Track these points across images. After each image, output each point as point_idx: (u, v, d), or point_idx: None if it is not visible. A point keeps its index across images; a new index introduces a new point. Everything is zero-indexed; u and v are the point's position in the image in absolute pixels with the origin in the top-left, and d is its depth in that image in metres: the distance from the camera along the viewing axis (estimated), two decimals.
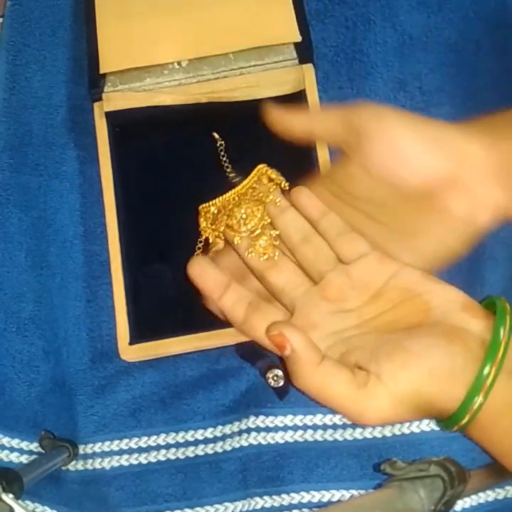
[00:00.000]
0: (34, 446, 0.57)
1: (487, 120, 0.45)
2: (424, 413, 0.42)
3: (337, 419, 0.55)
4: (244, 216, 0.49)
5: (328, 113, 0.49)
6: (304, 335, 0.41)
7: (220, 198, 0.52)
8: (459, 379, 0.40)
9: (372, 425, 0.51)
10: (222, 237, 0.51)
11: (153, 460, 0.56)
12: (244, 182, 0.52)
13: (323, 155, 0.56)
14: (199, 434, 0.56)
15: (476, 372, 0.39)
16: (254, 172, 0.52)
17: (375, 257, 0.46)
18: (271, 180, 0.52)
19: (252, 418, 0.55)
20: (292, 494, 0.54)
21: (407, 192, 0.45)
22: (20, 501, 0.43)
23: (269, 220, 0.49)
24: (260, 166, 0.53)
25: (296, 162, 0.58)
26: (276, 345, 0.42)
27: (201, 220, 0.53)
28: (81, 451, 0.56)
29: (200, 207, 0.53)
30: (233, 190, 0.52)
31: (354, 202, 0.47)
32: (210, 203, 0.52)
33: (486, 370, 0.39)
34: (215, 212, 0.52)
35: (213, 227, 0.51)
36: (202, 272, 0.47)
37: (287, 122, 0.50)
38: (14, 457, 0.57)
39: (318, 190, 0.48)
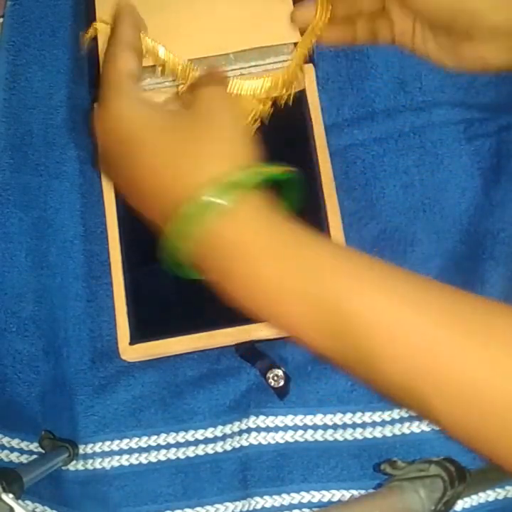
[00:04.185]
0: (34, 446, 0.57)
1: None
2: None
3: (337, 419, 0.55)
4: None
5: None
6: None
7: None
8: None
9: None
10: None
11: (154, 460, 0.56)
12: None
13: (322, 151, 0.56)
14: (199, 434, 0.56)
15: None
16: None
17: None
18: None
19: (253, 418, 0.55)
20: (292, 494, 0.54)
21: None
22: (20, 501, 0.43)
23: None
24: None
25: (295, 160, 0.58)
26: None
27: None
28: (81, 451, 0.56)
29: None
30: None
31: None
32: None
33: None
34: None
35: None
36: None
37: None
38: (14, 457, 0.57)
39: None
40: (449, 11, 0.42)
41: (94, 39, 0.59)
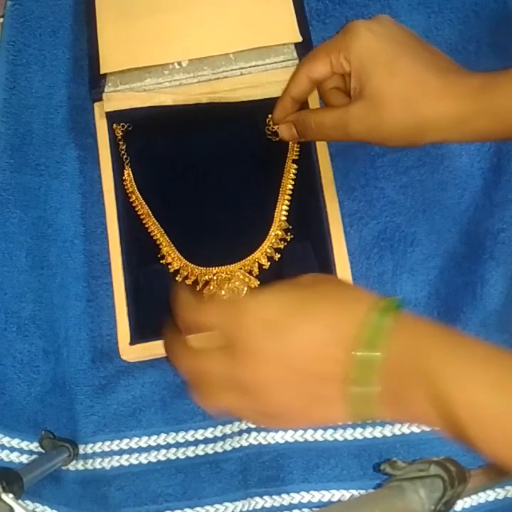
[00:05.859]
0: (34, 446, 0.57)
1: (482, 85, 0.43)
2: None
3: None
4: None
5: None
6: None
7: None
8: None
9: None
10: None
11: (154, 460, 0.56)
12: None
13: (322, 151, 0.56)
14: (199, 434, 0.56)
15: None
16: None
17: None
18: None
19: None
20: (292, 494, 0.54)
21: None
22: (20, 501, 0.43)
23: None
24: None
25: (296, 160, 0.59)
26: None
27: None
28: (81, 451, 0.56)
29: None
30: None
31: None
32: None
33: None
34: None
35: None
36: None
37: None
38: (14, 457, 0.57)
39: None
40: (409, 143, 0.46)
41: (93, 38, 0.59)
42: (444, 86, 0.43)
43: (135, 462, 0.56)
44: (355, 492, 0.54)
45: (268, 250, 0.57)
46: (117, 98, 0.58)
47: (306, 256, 0.56)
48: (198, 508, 0.55)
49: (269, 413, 0.37)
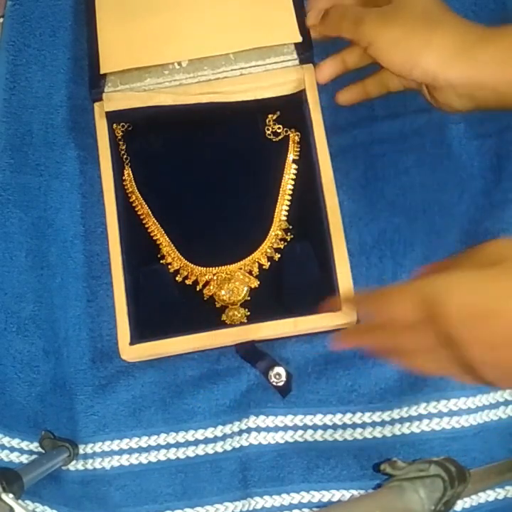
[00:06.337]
0: (34, 446, 0.57)
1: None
2: None
3: (337, 419, 0.55)
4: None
5: None
6: None
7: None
8: None
9: None
10: None
11: (154, 460, 0.56)
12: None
13: (322, 151, 0.56)
14: (199, 434, 0.56)
15: None
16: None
17: None
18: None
19: (253, 418, 0.55)
20: (292, 494, 0.54)
21: None
22: (20, 501, 0.43)
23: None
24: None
25: (296, 160, 0.59)
26: None
27: None
28: (81, 451, 0.56)
29: None
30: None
31: None
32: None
33: None
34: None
35: None
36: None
37: None
38: (14, 457, 0.57)
39: None
40: (404, 66, 0.47)
41: (93, 38, 0.59)
42: (461, 20, 0.46)
43: (135, 462, 0.56)
44: (355, 492, 0.54)
45: (268, 250, 0.57)
46: (117, 98, 0.58)
47: (306, 256, 0.56)
48: (198, 508, 0.55)
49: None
